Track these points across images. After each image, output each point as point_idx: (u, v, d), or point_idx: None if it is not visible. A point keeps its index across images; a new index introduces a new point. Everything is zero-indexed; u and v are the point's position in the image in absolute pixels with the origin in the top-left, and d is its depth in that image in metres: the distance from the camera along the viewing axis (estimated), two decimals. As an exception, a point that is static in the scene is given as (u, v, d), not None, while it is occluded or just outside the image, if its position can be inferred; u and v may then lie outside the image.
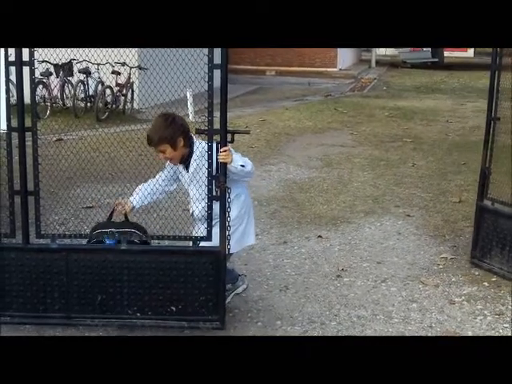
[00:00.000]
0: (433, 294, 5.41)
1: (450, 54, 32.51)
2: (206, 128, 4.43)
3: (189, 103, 12.70)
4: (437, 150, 11.12)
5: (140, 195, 4.86)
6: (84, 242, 5.12)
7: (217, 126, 4.37)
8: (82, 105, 13.50)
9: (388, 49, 33.40)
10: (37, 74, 4.75)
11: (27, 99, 4.37)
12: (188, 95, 12.51)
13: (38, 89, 12.48)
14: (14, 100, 4.42)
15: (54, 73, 13.35)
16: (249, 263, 5.89)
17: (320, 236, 6.71)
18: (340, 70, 25.58)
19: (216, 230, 4.51)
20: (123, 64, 12.60)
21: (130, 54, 11.21)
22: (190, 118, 12.43)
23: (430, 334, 4.74)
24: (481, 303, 5.26)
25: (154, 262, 4.53)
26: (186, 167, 4.71)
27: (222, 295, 4.55)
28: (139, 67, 13.19)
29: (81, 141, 8.57)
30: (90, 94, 13.61)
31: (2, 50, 4.50)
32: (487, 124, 5.89)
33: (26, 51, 4.28)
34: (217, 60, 4.25)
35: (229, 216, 4.48)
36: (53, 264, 4.54)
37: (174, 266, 4.52)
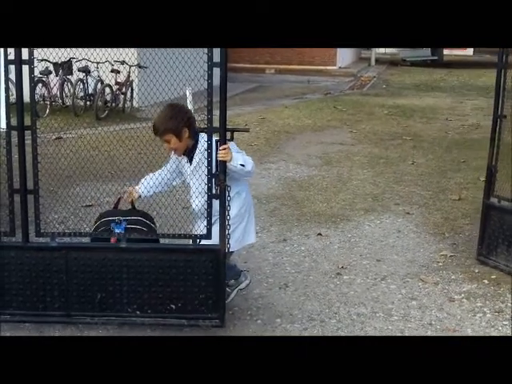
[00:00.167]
0: (432, 292, 5.41)
1: (449, 52, 32.53)
2: (206, 126, 4.44)
3: (188, 101, 12.69)
4: (436, 147, 11.13)
5: (146, 185, 4.87)
6: (84, 240, 5.13)
7: (216, 124, 4.37)
8: (82, 103, 13.50)
9: (387, 47, 33.38)
10: (36, 72, 4.75)
11: (26, 98, 4.37)
12: (187, 93, 12.50)
13: (37, 87, 12.49)
14: (13, 99, 4.42)
15: (53, 71, 13.35)
16: (248, 261, 5.89)
17: (320, 234, 6.71)
18: (339, 68, 25.57)
19: (216, 228, 4.52)
20: (122, 62, 12.59)
21: (130, 53, 11.18)
22: (190, 116, 12.42)
23: (429, 332, 4.74)
24: (480, 301, 5.26)
25: (154, 260, 4.53)
26: (190, 160, 4.71)
27: (221, 293, 4.55)
28: (139, 66, 13.19)
29: (80, 139, 8.56)
30: (90, 92, 13.61)
31: (2, 49, 4.49)
32: (493, 122, 5.90)
33: (25, 50, 4.28)
34: (216, 58, 4.25)
35: (228, 214, 4.48)
36: (52, 262, 4.54)
37: (173, 264, 4.52)
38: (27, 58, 4.32)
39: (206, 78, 4.35)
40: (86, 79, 13.56)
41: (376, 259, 6.09)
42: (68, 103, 13.42)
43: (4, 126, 4.44)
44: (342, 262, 5.98)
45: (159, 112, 4.71)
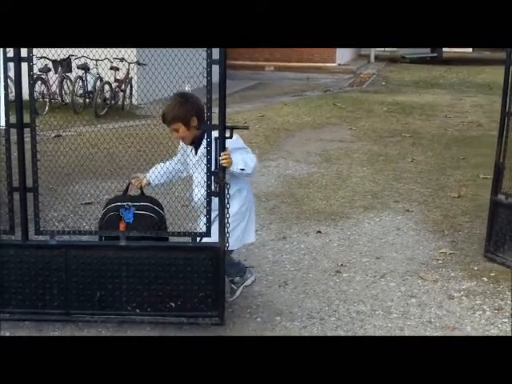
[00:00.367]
0: (432, 289, 5.41)
1: (448, 49, 32.50)
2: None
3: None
4: (436, 144, 11.12)
5: (156, 173, 4.87)
6: (83, 238, 5.13)
7: (215, 121, 4.37)
8: (81, 101, 13.49)
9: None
10: (35, 70, 4.75)
11: (26, 95, 4.37)
12: (187, 90, 12.49)
13: (36, 85, 12.49)
14: (12, 96, 4.41)
15: (52, 69, 13.34)
16: (248, 259, 5.89)
17: (319, 231, 6.71)
18: (339, 65, 25.55)
19: (217, 226, 4.51)
20: (122, 60, 12.60)
21: (129, 50, 11.18)
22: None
23: (429, 329, 4.74)
24: (480, 298, 5.26)
25: (153, 258, 4.52)
26: (196, 150, 4.71)
27: (221, 291, 4.54)
28: (138, 63, 13.16)
29: (79, 137, 8.56)
30: (89, 89, 13.61)
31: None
32: (501, 119, 5.91)
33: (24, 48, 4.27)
34: (215, 55, 4.24)
35: (228, 212, 4.48)
36: (52, 260, 4.53)
37: (173, 262, 4.52)
38: (26, 55, 4.31)
39: (205, 75, 4.34)
40: (85, 76, 13.56)
41: (375, 257, 6.09)
42: (67, 101, 13.41)
43: (3, 123, 4.43)
44: (341, 260, 5.98)
45: (169, 100, 4.71)
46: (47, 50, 4.90)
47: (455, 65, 27.30)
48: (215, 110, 4.36)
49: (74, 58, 13.09)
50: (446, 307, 5.10)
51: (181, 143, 4.84)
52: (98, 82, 13.34)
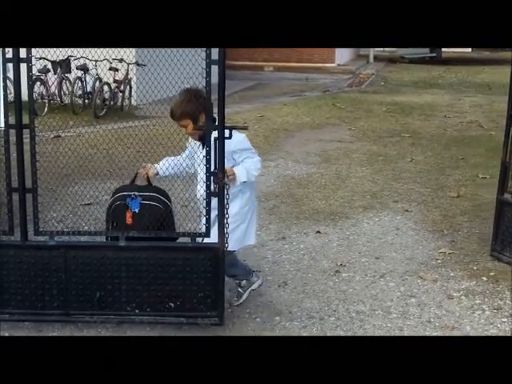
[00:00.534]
0: (431, 289, 5.42)
1: (447, 49, 32.50)
2: (203, 124, 4.44)
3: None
4: (435, 144, 11.13)
5: (167, 165, 4.87)
6: (82, 238, 5.13)
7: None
8: (80, 102, 13.49)
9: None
10: (34, 70, 4.75)
11: (25, 96, 4.37)
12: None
13: (35, 86, 12.48)
14: (11, 97, 4.41)
15: (51, 70, 13.34)
16: (247, 259, 5.89)
17: (318, 231, 6.72)
18: (338, 65, 25.56)
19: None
20: (121, 60, 12.59)
21: (128, 51, 11.20)
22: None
23: (428, 329, 4.75)
24: (479, 298, 5.27)
25: (153, 258, 4.53)
26: (203, 146, 4.71)
27: (220, 291, 4.54)
28: (137, 63, 13.18)
29: (79, 138, 8.56)
30: (88, 90, 13.60)
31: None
32: (508, 119, 5.91)
33: (23, 48, 4.27)
34: (214, 56, 4.25)
35: (227, 212, 4.48)
36: (51, 261, 4.53)
37: (172, 263, 4.52)
38: (25, 56, 4.32)
39: (204, 75, 4.35)
40: (85, 77, 13.55)
41: (375, 257, 6.09)
42: (66, 101, 13.41)
43: (2, 124, 4.44)
44: (340, 260, 5.98)
45: (177, 97, 4.72)
46: (46, 50, 4.89)
47: (454, 65, 27.30)
48: (214, 110, 4.37)
49: (73, 58, 13.08)
50: (446, 307, 5.11)
51: (189, 139, 4.85)
52: (97, 83, 13.33)
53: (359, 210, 7.47)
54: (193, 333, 4.60)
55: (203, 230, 4.57)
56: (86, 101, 13.57)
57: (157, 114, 5.13)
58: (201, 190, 4.66)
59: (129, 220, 4.61)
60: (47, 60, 12.55)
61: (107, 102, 13.47)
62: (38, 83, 12.79)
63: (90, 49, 5.35)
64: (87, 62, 12.97)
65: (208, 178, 4.46)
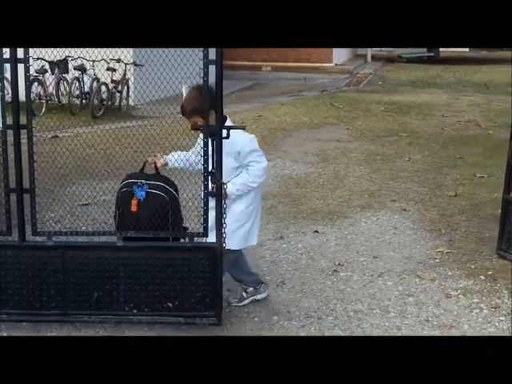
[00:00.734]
0: (429, 288, 5.42)
1: (445, 48, 32.51)
2: (201, 124, 4.45)
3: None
4: (433, 144, 11.13)
5: (176, 157, 4.87)
6: (80, 239, 5.13)
7: (212, 122, 4.38)
8: (78, 102, 13.48)
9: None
10: (32, 71, 4.75)
11: (22, 97, 4.37)
12: (183, 91, 12.49)
13: (33, 86, 12.47)
14: (8, 97, 4.41)
15: (49, 70, 13.33)
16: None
17: (316, 231, 6.72)
18: (336, 65, 25.56)
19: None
20: (118, 61, 12.59)
21: (125, 51, 11.17)
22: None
23: (426, 328, 4.75)
24: (477, 297, 5.27)
25: (151, 258, 4.53)
26: (212, 142, 4.72)
27: (218, 291, 4.55)
28: (134, 64, 13.17)
29: (76, 138, 8.57)
30: (86, 90, 13.59)
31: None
32: None
33: (20, 49, 4.27)
34: (212, 56, 4.25)
35: (225, 212, 4.48)
36: (49, 261, 4.54)
37: (170, 263, 4.52)
38: (22, 56, 4.32)
39: (201, 75, 4.35)
40: (82, 78, 13.54)
41: (373, 256, 6.09)
42: (64, 102, 13.40)
43: (0, 125, 4.44)
44: (338, 259, 5.99)
45: (187, 93, 4.71)
46: (44, 51, 4.89)
47: (452, 64, 27.30)
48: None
49: (70, 59, 13.08)
50: (444, 306, 5.11)
51: (200, 135, 4.85)
52: (95, 83, 13.33)
53: (357, 209, 7.48)
54: (191, 333, 4.60)
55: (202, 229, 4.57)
56: (84, 101, 13.56)
57: (154, 114, 5.14)
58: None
59: (134, 207, 4.61)
60: (45, 60, 12.53)
61: (105, 103, 13.47)
62: (36, 83, 12.78)
63: (87, 49, 5.35)
64: (85, 62, 12.96)
65: (206, 178, 4.47)
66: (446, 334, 4.67)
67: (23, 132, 4.42)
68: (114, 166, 6.81)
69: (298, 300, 5.18)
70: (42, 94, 13.04)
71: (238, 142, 4.63)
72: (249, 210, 4.82)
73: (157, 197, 4.62)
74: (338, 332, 4.69)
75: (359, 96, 17.03)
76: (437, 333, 4.70)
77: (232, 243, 4.70)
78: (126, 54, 11.88)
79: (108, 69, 12.98)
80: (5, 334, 4.55)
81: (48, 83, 13.32)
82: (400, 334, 4.67)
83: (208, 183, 4.48)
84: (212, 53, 4.23)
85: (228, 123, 4.70)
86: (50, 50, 4.79)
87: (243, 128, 4.75)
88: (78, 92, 13.51)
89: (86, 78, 13.59)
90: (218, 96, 4.31)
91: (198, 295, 4.55)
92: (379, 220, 7.11)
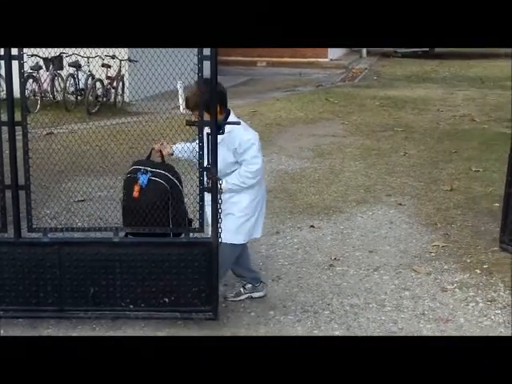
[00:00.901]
0: (425, 282, 5.43)
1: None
2: (197, 120, 4.44)
3: (179, 95, 12.68)
4: (428, 138, 11.14)
5: (181, 147, 4.87)
6: (76, 235, 5.12)
7: (207, 117, 4.38)
8: (73, 98, 13.45)
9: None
10: (26, 67, 4.74)
11: (17, 93, 4.36)
12: (178, 87, 12.49)
13: (27, 83, 12.44)
14: (3, 94, 4.41)
15: (43, 67, 13.29)
16: (241, 254, 5.90)
17: (312, 226, 6.73)
18: (331, 60, 25.51)
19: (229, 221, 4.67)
20: (113, 57, 12.56)
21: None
22: (181, 109, 12.40)
23: (422, 322, 4.77)
24: (473, 290, 5.29)
25: (147, 253, 4.53)
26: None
27: (214, 286, 4.55)
28: (129, 60, 13.15)
29: (71, 134, 8.56)
30: (81, 87, 13.56)
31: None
32: None
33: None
34: (206, 51, 4.24)
35: (220, 207, 4.49)
36: (45, 258, 4.53)
37: (166, 258, 4.52)
38: (17, 53, 4.31)
39: (196, 71, 4.35)
40: (77, 74, 13.51)
41: (368, 250, 6.10)
42: (59, 98, 13.36)
43: (-6, 121, 4.43)
44: (334, 254, 6.00)
45: (192, 87, 4.71)
46: (38, 47, 4.88)
47: (447, 59, 27.29)
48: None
49: (65, 55, 13.04)
50: (440, 299, 5.13)
51: (205, 128, 4.84)
52: (90, 80, 13.29)
53: (353, 204, 7.49)
54: (188, 327, 4.61)
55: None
56: (79, 97, 13.54)
57: (149, 110, 5.13)
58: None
59: (135, 193, 4.64)
60: (39, 57, 12.49)
61: (100, 99, 13.43)
62: (31, 80, 12.74)
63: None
64: (79, 58, 12.93)
65: (201, 174, 4.47)
66: (442, 328, 4.69)
67: (18, 129, 4.42)
68: (109, 162, 6.81)
69: (294, 294, 5.19)
70: (36, 90, 13.01)
71: (238, 138, 4.66)
72: (254, 204, 4.84)
73: (157, 184, 4.62)
74: (334, 326, 4.71)
75: (354, 91, 17.02)
76: (433, 326, 4.71)
77: (238, 237, 4.78)
78: (121, 50, 11.87)
79: (103, 65, 12.95)
80: (2, 331, 4.55)
81: (43, 80, 13.29)
82: (396, 328, 4.69)
83: (203, 178, 4.48)
84: (206, 49, 4.23)
85: (232, 117, 4.73)
86: (44, 46, 4.79)
87: (238, 123, 4.74)
88: (72, 88, 13.48)
89: (80, 75, 13.56)
90: (213, 92, 4.30)
91: (194, 290, 4.55)
92: (375, 214, 7.12)
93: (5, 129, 4.39)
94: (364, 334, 4.60)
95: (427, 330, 4.67)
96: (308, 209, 7.29)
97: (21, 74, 4.41)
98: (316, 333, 4.62)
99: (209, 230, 4.54)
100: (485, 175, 8.60)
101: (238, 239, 4.79)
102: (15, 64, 4.31)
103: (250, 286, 5.09)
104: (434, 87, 18.11)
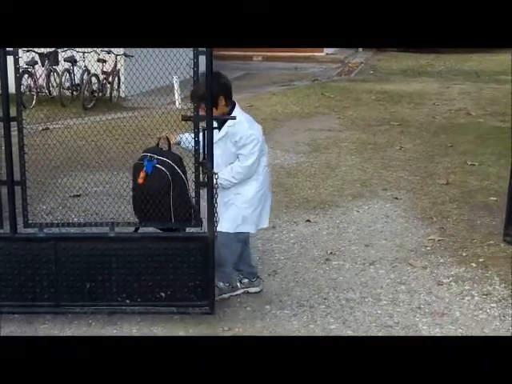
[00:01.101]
0: (421, 276, 5.45)
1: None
2: (192, 114, 4.44)
3: (175, 90, 12.68)
4: (424, 132, 11.15)
5: (189, 138, 4.82)
6: (72, 230, 5.13)
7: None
8: (68, 93, 13.45)
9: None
10: (22, 63, 4.74)
11: (12, 89, 4.35)
12: (174, 82, 12.49)
13: (23, 78, 12.43)
14: (-2, 90, 4.40)
15: (39, 62, 13.27)
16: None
17: (308, 220, 6.73)
18: (327, 54, 25.50)
19: (230, 213, 4.73)
20: (109, 52, 12.54)
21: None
22: (177, 104, 12.40)
23: (418, 315, 4.78)
24: (468, 284, 5.30)
25: (143, 248, 4.53)
26: (220, 128, 4.74)
27: (210, 281, 4.56)
28: (125, 54, 13.14)
29: (67, 130, 8.55)
30: (76, 82, 13.56)
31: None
32: None
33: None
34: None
35: (216, 201, 4.50)
36: (41, 253, 4.53)
37: (162, 253, 4.53)
38: (12, 48, 4.30)
39: (191, 66, 4.34)
40: (73, 69, 13.51)
41: (364, 244, 6.11)
42: (54, 94, 13.36)
43: (-11, 117, 4.43)
44: (330, 248, 6.00)
45: (200, 79, 4.71)
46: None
47: (443, 53, 27.29)
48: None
49: (60, 50, 13.01)
50: (435, 293, 5.14)
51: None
52: (85, 75, 13.28)
53: (349, 198, 7.49)
54: (184, 322, 4.62)
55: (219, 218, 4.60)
56: (75, 93, 13.53)
57: (145, 105, 5.13)
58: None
59: (140, 180, 4.64)
60: (35, 52, 12.49)
61: (95, 94, 13.43)
62: (26, 75, 12.73)
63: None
64: (75, 53, 12.91)
65: (197, 168, 4.48)
66: (437, 321, 4.70)
67: (13, 124, 4.41)
68: (105, 157, 6.81)
69: (290, 289, 5.20)
70: (32, 86, 13.00)
71: (240, 132, 4.67)
72: (259, 195, 4.86)
73: (160, 173, 4.62)
74: (330, 320, 4.71)
75: (350, 85, 17.03)
76: (428, 320, 4.72)
77: (246, 227, 4.84)
78: (117, 45, 11.81)
79: (98, 60, 12.93)
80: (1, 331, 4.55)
81: (38, 75, 13.26)
82: (392, 322, 4.70)
83: (199, 173, 4.49)
84: (202, 43, 4.22)
85: (237, 109, 4.77)
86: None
87: (233, 118, 4.74)
88: (68, 84, 13.47)
89: (76, 70, 13.56)
90: (208, 86, 4.30)
91: (190, 285, 4.56)
92: (371, 209, 7.13)
93: (0, 124, 4.39)
94: (360, 328, 4.61)
95: (423, 323, 4.68)
96: (304, 203, 7.29)
97: (16, 69, 4.40)
98: (312, 327, 4.62)
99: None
100: (480, 169, 8.62)
101: (247, 228, 4.85)
102: (10, 59, 4.30)
103: (246, 280, 5.10)
104: (429, 81, 18.12)
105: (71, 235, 4.83)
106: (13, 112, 4.41)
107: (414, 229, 6.53)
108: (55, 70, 13.50)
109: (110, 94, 13.80)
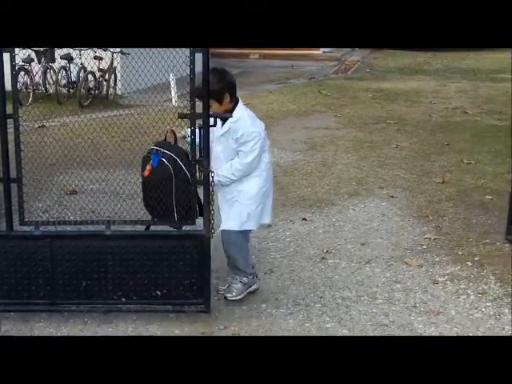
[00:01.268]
0: (416, 274, 5.45)
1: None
2: (189, 112, 4.44)
3: (172, 88, 12.67)
4: (420, 131, 11.15)
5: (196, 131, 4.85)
6: (68, 228, 5.12)
7: (199, 110, 4.38)
8: (65, 91, 13.43)
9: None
10: (18, 60, 4.73)
11: (8, 86, 4.35)
12: (171, 79, 12.48)
13: (19, 75, 12.41)
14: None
15: (35, 59, 13.26)
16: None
17: (304, 219, 6.74)
18: (324, 52, 25.50)
19: (234, 211, 4.76)
20: (105, 49, 12.52)
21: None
22: (173, 102, 12.39)
23: (413, 314, 4.78)
24: (464, 282, 5.31)
25: (138, 246, 4.53)
26: (222, 125, 4.75)
27: (206, 279, 4.56)
28: (121, 52, 13.12)
29: (63, 127, 8.52)
30: (73, 80, 13.53)
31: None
32: None
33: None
34: (198, 44, 4.23)
35: (213, 200, 4.50)
36: (37, 251, 4.53)
37: (158, 251, 4.53)
38: (8, 45, 4.29)
39: (188, 63, 4.34)
40: (69, 67, 13.48)
41: (360, 243, 6.12)
42: (51, 91, 13.35)
43: (-15, 114, 4.42)
44: (326, 247, 6.01)
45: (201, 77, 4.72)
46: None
47: (439, 51, 27.30)
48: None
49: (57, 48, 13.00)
50: (431, 292, 5.14)
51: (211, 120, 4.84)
52: (82, 72, 13.27)
53: (345, 196, 7.50)
54: (180, 320, 4.62)
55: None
56: (71, 90, 13.51)
57: (141, 102, 5.12)
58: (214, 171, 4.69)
59: (146, 172, 4.66)
60: (31, 49, 12.47)
61: (92, 92, 13.41)
62: (22, 73, 12.71)
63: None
64: (71, 51, 12.89)
65: (193, 166, 4.47)
66: (433, 320, 4.71)
67: (10, 121, 4.41)
68: (101, 154, 6.80)
69: (286, 287, 5.20)
70: (28, 83, 12.98)
71: (242, 129, 4.68)
72: (262, 191, 4.87)
73: (163, 166, 4.62)
74: (325, 319, 4.72)
75: (347, 83, 17.02)
76: (424, 319, 4.73)
77: (249, 224, 4.84)
78: (113, 42, 11.79)
79: (95, 57, 12.91)
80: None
81: (34, 72, 13.25)
82: (387, 320, 4.71)
83: (196, 171, 4.49)
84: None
85: (240, 106, 4.80)
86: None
87: (230, 116, 4.74)
88: (64, 81, 13.45)
89: (72, 67, 13.53)
90: (205, 84, 4.30)
91: (186, 283, 4.56)
92: (367, 207, 7.13)
93: (-4, 122, 4.38)
94: (355, 327, 4.61)
95: (418, 322, 4.69)
96: (300, 202, 7.29)
97: (12, 66, 4.40)
98: (308, 326, 4.63)
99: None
100: (476, 168, 8.63)
101: (250, 225, 4.86)
102: (6, 56, 4.29)
103: (245, 279, 5.04)
104: (426, 79, 18.13)
105: (67, 233, 4.82)
106: (9, 109, 4.41)
107: (410, 227, 6.53)
108: (51, 68, 13.49)
109: (107, 91, 13.79)
